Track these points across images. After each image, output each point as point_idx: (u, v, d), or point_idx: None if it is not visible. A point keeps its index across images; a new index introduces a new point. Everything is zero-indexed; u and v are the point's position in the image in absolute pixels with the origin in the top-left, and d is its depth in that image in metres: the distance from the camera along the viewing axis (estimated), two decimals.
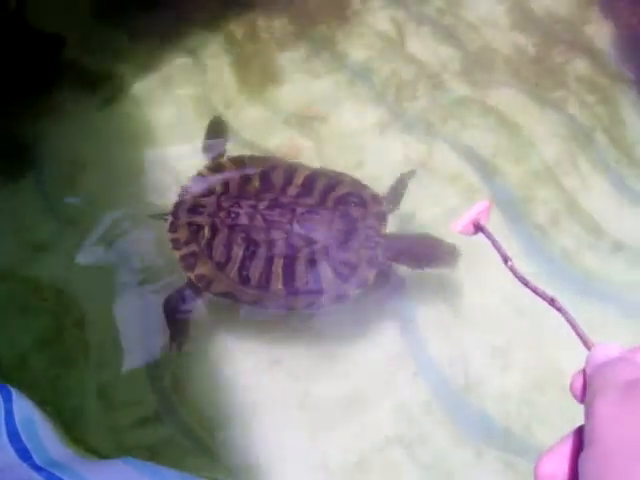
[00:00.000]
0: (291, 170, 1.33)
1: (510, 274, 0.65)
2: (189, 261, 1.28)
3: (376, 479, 1.22)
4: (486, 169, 1.51)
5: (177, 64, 1.71)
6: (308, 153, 1.54)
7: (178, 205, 1.33)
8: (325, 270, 1.23)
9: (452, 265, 1.28)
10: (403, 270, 1.33)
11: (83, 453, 1.06)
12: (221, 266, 1.26)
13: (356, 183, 1.33)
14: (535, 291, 0.62)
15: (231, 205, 1.27)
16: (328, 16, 1.77)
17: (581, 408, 1.25)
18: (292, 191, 1.28)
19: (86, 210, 1.50)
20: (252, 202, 1.27)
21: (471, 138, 1.56)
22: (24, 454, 0.85)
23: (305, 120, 1.59)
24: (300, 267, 1.23)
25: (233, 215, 1.26)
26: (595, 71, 1.67)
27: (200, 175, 1.36)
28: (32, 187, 1.53)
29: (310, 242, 1.24)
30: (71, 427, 1.19)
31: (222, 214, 1.27)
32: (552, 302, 0.60)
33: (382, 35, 1.74)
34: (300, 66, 1.69)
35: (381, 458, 1.24)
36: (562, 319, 0.58)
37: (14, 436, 0.90)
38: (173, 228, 1.31)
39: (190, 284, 1.29)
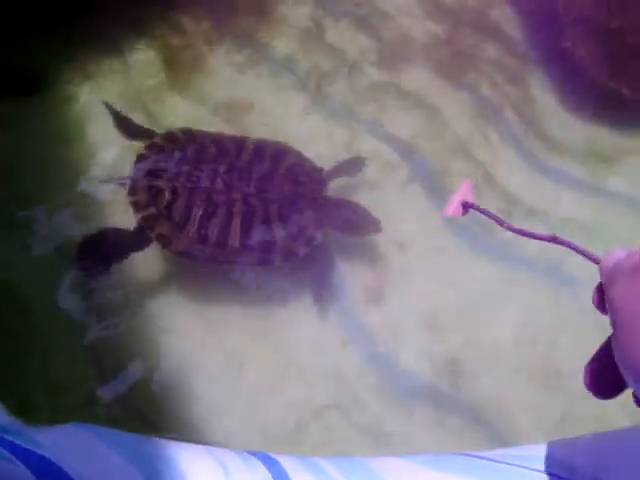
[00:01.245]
0: (238, 140, 1.43)
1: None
2: (149, 222, 1.35)
3: (314, 443, 1.28)
4: (405, 148, 1.60)
5: (108, 64, 1.72)
6: None
7: (136, 170, 1.40)
8: (278, 228, 1.34)
9: (375, 234, 1.40)
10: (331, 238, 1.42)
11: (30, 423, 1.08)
12: (180, 226, 1.34)
13: (298, 153, 1.45)
14: (535, 237, 0.64)
15: (192, 169, 1.37)
16: (250, 13, 1.83)
17: (505, 361, 1.36)
18: (246, 157, 1.39)
19: (24, 209, 1.52)
20: (212, 166, 1.37)
21: (390, 120, 1.64)
22: None
23: (232, 111, 1.65)
24: (256, 225, 1.34)
25: (194, 178, 1.36)
26: (504, 53, 1.77)
27: (154, 144, 1.43)
28: None
29: (265, 203, 1.35)
30: (18, 415, 1.22)
31: (182, 178, 1.36)
32: (555, 240, 0.62)
33: (302, 29, 1.81)
34: (225, 60, 1.74)
35: (318, 424, 1.30)
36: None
37: None
38: (133, 191, 1.38)
39: (138, 235, 1.37)
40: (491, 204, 1.52)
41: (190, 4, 1.83)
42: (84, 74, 1.70)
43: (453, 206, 0.74)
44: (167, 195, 1.35)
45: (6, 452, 0.80)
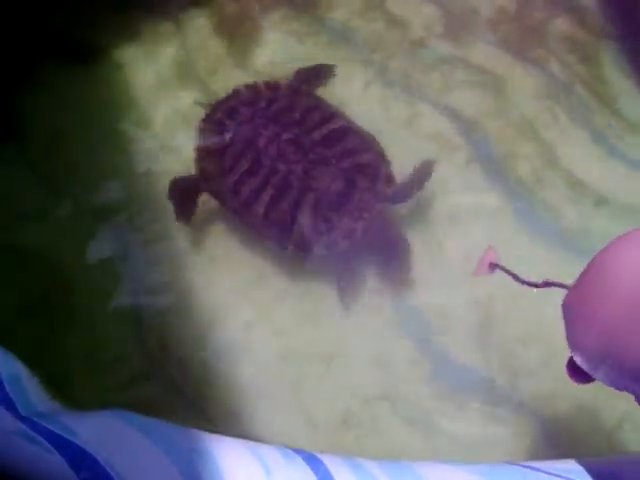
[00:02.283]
0: (329, 116, 1.39)
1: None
2: (202, 154, 1.40)
3: (361, 433, 1.23)
4: (467, 126, 1.52)
5: (160, 31, 1.70)
6: None
7: (223, 101, 1.45)
8: (305, 218, 1.29)
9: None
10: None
11: (70, 407, 1.07)
12: (225, 171, 1.35)
13: (380, 156, 1.37)
14: (543, 285, 0.77)
15: (260, 124, 1.37)
16: None
17: (563, 356, 1.27)
18: (317, 136, 1.35)
19: (70, 178, 1.50)
20: (278, 130, 1.35)
21: (453, 96, 1.56)
22: (8, 405, 0.86)
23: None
24: (284, 205, 1.30)
25: (256, 134, 1.35)
26: (576, 27, 1.67)
27: (256, 86, 1.46)
28: (15, 156, 1.53)
29: (305, 188, 1.30)
30: (59, 386, 1.20)
31: (249, 128, 1.37)
32: (548, 284, 0.75)
33: None
34: (282, 29, 1.68)
35: (366, 413, 1.25)
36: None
37: None
38: (206, 120, 1.44)
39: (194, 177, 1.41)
40: (557, 191, 1.44)
41: None
42: (137, 42, 1.67)
43: (483, 267, 0.90)
44: (227, 137, 1.38)
45: (42, 439, 0.78)
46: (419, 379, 1.27)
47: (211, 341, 1.31)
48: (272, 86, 1.46)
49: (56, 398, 1.06)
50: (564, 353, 1.26)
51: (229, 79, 1.60)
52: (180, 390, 1.26)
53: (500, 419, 1.23)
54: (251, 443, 0.90)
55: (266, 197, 1.31)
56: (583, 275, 0.63)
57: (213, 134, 1.41)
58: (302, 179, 1.30)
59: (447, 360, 1.28)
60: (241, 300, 1.35)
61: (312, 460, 0.83)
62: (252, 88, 1.46)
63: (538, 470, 0.81)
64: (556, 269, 1.34)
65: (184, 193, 1.42)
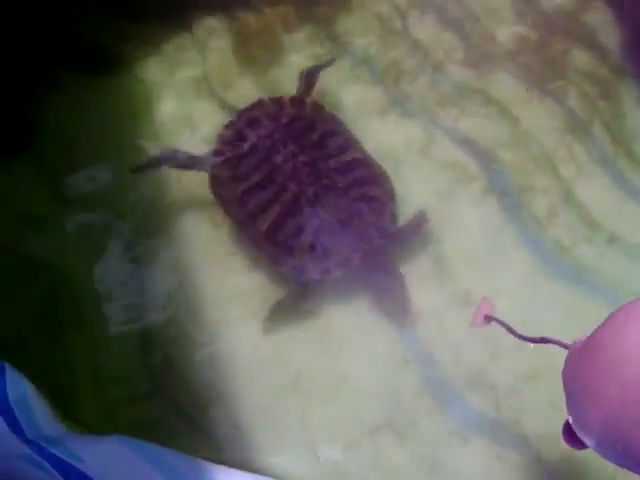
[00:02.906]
0: (347, 145, 1.40)
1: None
2: (216, 159, 1.41)
3: (364, 464, 1.22)
4: (484, 157, 1.51)
5: (178, 44, 1.70)
6: None
7: (246, 110, 1.46)
8: (305, 241, 1.30)
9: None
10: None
11: (75, 428, 1.06)
12: (236, 179, 1.36)
13: (389, 193, 1.38)
14: (539, 341, 0.79)
15: (279, 140, 1.37)
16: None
17: None
18: (333, 163, 1.35)
19: (84, 187, 1.50)
20: (296, 150, 1.35)
21: (470, 126, 1.56)
22: (16, 427, 0.86)
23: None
24: (289, 224, 1.30)
25: (274, 150, 1.36)
26: (597, 64, 1.66)
27: (282, 100, 1.47)
28: (30, 163, 1.53)
29: (312, 212, 1.30)
30: (63, 404, 1.20)
31: (268, 142, 1.37)
32: (545, 340, 0.77)
33: (384, 20, 1.73)
34: (302, 48, 1.68)
35: (370, 443, 1.24)
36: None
37: (6, 409, 0.91)
38: (227, 126, 1.45)
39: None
40: (571, 227, 1.43)
41: None
42: (157, 54, 1.67)
43: (479, 319, 0.94)
44: (245, 147, 1.38)
45: (48, 465, 0.77)
46: (424, 411, 1.26)
47: (216, 363, 1.30)
48: (297, 102, 1.46)
49: (60, 416, 1.06)
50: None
51: (245, 96, 1.59)
52: (184, 411, 1.25)
53: (503, 457, 1.22)
54: (256, 476, 0.89)
55: (272, 214, 1.31)
56: (585, 349, 0.60)
57: (232, 141, 1.41)
58: (311, 203, 1.30)
59: (452, 394, 1.27)
60: (248, 324, 1.34)
61: None
62: (277, 101, 1.46)
63: None
64: (569, 305, 1.36)
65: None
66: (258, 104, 1.46)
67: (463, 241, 1.39)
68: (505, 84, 1.63)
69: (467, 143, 1.53)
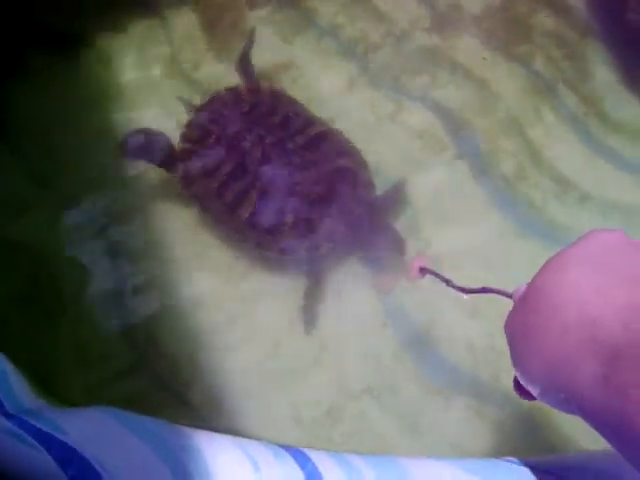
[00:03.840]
0: (310, 122, 1.40)
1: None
2: (185, 156, 1.38)
3: (347, 429, 1.24)
4: (453, 123, 1.53)
5: (145, 23, 1.69)
6: None
7: (205, 105, 1.44)
8: (288, 221, 1.30)
9: (398, 251, 1.33)
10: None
11: (57, 404, 1.06)
12: (207, 174, 1.35)
13: (360, 163, 1.39)
14: (479, 291, 0.78)
15: (244, 128, 1.36)
16: None
17: None
18: (300, 140, 1.35)
19: (57, 172, 1.49)
20: (262, 132, 1.35)
21: (439, 92, 1.57)
22: None
23: (273, 78, 1.59)
24: (269, 208, 1.30)
25: (240, 137, 1.35)
26: (562, 24, 1.68)
27: (238, 89, 1.46)
28: (4, 149, 1.52)
29: (289, 192, 1.30)
30: (46, 383, 1.20)
31: (232, 130, 1.36)
32: (485, 290, 0.76)
33: None
34: (268, 23, 1.68)
35: (351, 408, 1.26)
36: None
37: None
38: (189, 125, 1.43)
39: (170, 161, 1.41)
40: (542, 188, 1.45)
41: None
42: (122, 34, 1.66)
43: (414, 271, 0.97)
44: (211, 140, 1.37)
45: (29, 438, 0.78)
46: (405, 374, 1.28)
47: (197, 337, 1.31)
48: (254, 89, 1.45)
49: (42, 394, 1.06)
50: None
51: (213, 74, 1.60)
52: (168, 385, 1.26)
53: (484, 413, 1.24)
54: (240, 440, 0.90)
55: (251, 200, 1.30)
56: (525, 296, 0.60)
57: (196, 138, 1.40)
58: (287, 183, 1.30)
59: (430, 354, 1.29)
60: (226, 297, 1.35)
61: (299, 456, 0.84)
62: (233, 91, 1.45)
63: (523, 465, 0.82)
64: (542, 263, 1.37)
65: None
66: (216, 98, 1.45)
67: (435, 206, 1.41)
68: (470, 49, 1.64)
69: (436, 109, 1.55)
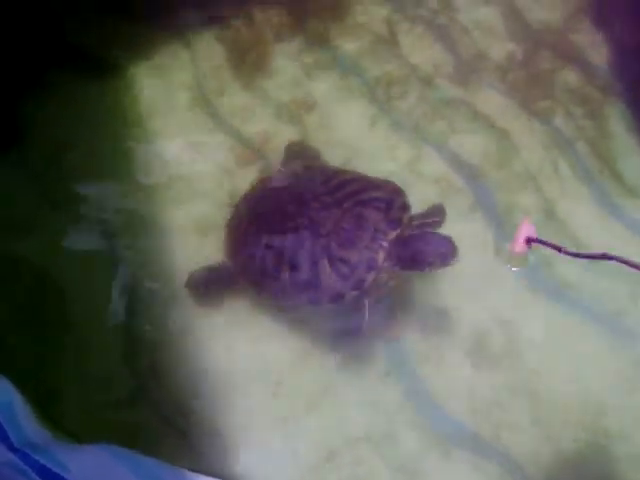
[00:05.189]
0: (332, 175, 1.35)
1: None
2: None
3: (345, 475, 1.24)
4: (470, 172, 1.53)
5: (170, 49, 1.71)
6: None
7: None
8: (324, 266, 1.24)
9: (450, 260, 1.23)
10: None
11: (60, 435, 1.06)
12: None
13: (394, 189, 1.33)
14: (588, 257, 0.77)
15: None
16: (323, 12, 1.77)
17: (550, 412, 1.27)
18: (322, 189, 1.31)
19: (72, 190, 1.50)
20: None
21: (458, 141, 1.58)
22: (1, 435, 0.86)
23: (295, 113, 1.60)
24: (303, 260, 1.25)
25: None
26: (584, 82, 1.68)
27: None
28: (18, 165, 1.53)
29: (316, 236, 1.25)
30: (47, 407, 1.19)
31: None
32: (604, 256, 0.75)
33: (375, 32, 1.75)
34: (293, 58, 1.69)
35: (350, 455, 1.25)
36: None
37: None
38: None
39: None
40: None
41: None
42: (149, 59, 1.68)
43: (519, 243, 0.89)
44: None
45: (34, 474, 0.78)
46: (405, 424, 1.27)
47: (201, 370, 1.30)
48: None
49: (47, 424, 1.06)
50: (549, 406, 1.28)
51: (236, 105, 1.61)
52: (167, 417, 1.26)
53: (484, 470, 1.24)
54: None
55: (286, 261, 1.27)
56: None
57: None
58: (311, 230, 1.26)
59: (434, 407, 1.29)
60: (235, 333, 1.35)
61: None
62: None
63: None
64: (552, 321, 1.38)
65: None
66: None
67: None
68: (492, 100, 1.65)
69: (454, 158, 1.55)
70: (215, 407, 1.27)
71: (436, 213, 1.38)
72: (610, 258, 0.66)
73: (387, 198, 1.29)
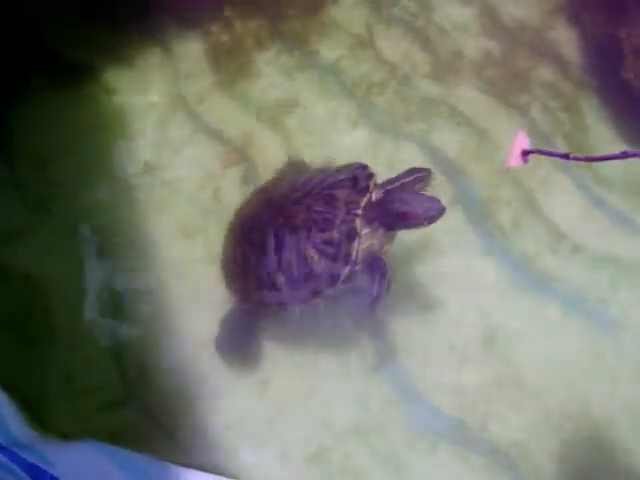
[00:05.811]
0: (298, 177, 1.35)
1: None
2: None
3: (334, 470, 1.25)
4: (451, 168, 1.55)
5: (152, 57, 1.72)
6: (275, 147, 1.57)
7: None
8: (310, 254, 1.24)
9: (436, 215, 1.23)
10: None
11: (47, 435, 1.06)
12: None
13: (357, 166, 1.32)
14: (606, 158, 0.74)
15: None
16: (301, 14, 1.78)
17: (535, 403, 1.29)
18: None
19: (55, 198, 1.50)
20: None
21: (437, 138, 1.59)
22: None
23: (276, 116, 1.61)
24: (291, 258, 1.25)
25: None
26: (560, 77, 1.71)
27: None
28: (3, 174, 1.53)
29: (294, 230, 1.25)
30: (36, 410, 1.20)
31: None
32: (626, 154, 0.71)
33: (354, 35, 1.76)
34: (273, 62, 1.71)
35: (339, 449, 1.26)
36: None
37: None
38: None
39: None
40: (536, 236, 1.47)
41: (240, 2, 1.79)
42: (129, 67, 1.69)
43: (514, 157, 0.84)
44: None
45: (22, 472, 0.78)
46: (393, 418, 1.29)
47: (190, 371, 1.31)
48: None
49: (34, 424, 1.06)
50: (534, 397, 1.29)
51: (217, 110, 1.62)
52: (156, 418, 1.26)
53: (469, 461, 1.25)
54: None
55: (281, 273, 1.27)
56: None
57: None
58: (288, 227, 1.26)
59: (420, 401, 1.30)
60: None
61: None
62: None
63: None
64: (535, 313, 1.40)
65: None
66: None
67: (431, 252, 1.42)
68: (470, 97, 1.67)
69: (434, 154, 1.57)
70: (203, 406, 1.28)
71: (415, 172, 1.36)
72: (631, 155, 0.63)
73: (352, 175, 1.30)
